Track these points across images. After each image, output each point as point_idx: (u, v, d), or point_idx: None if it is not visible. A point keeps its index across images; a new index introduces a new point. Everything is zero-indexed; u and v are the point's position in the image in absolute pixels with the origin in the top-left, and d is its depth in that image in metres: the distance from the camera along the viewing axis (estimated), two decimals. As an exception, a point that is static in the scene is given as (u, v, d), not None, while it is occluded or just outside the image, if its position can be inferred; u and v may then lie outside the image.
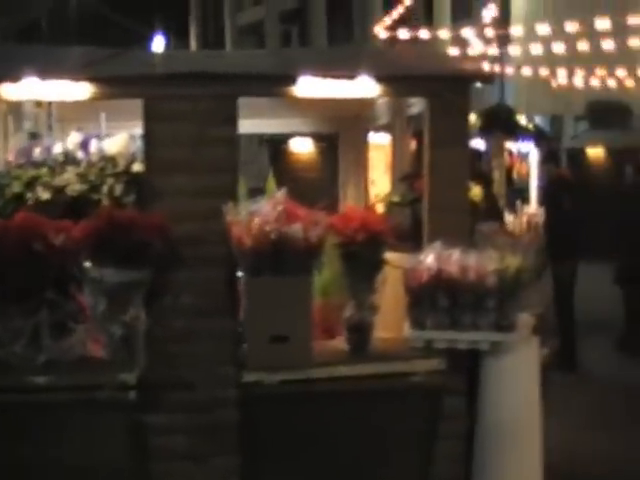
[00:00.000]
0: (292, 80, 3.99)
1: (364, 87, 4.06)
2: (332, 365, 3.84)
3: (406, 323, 3.96)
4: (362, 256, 3.84)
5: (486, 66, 8.65)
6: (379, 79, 4.04)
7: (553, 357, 6.97)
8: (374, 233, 3.88)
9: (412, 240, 4.29)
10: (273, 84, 4.06)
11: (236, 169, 4.02)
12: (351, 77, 4.01)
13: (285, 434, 3.68)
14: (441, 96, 4.02)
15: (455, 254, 3.89)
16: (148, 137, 3.95)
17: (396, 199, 4.80)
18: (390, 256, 4.03)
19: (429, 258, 3.91)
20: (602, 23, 10.85)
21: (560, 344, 8.24)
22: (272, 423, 3.67)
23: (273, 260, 3.57)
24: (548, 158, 8.80)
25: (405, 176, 5.06)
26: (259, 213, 3.67)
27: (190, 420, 3.73)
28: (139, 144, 4.26)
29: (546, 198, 8.65)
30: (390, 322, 4.07)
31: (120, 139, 4.44)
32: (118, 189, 4.11)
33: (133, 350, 3.54)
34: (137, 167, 4.18)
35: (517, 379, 4.07)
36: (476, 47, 11.15)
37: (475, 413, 4.02)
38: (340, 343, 4.04)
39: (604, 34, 12.53)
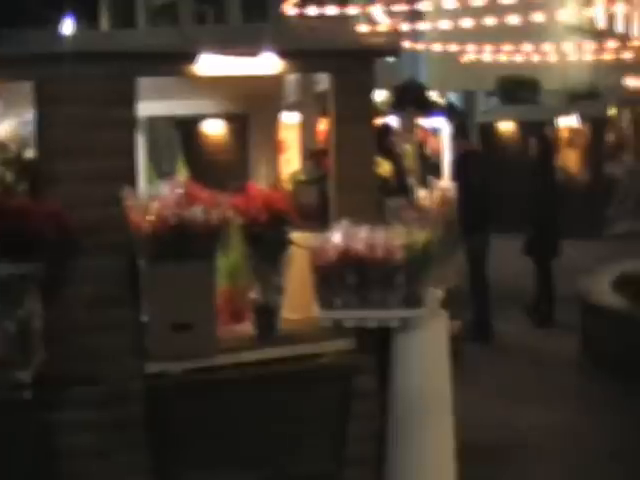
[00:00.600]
0: (191, 58, 3.84)
1: (267, 64, 3.96)
2: (238, 351, 3.74)
3: (314, 303, 3.90)
4: (266, 237, 3.75)
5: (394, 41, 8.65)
6: (281, 55, 3.94)
7: (467, 329, 7.13)
8: (277, 212, 3.79)
9: (320, 219, 4.23)
10: (170, 62, 3.89)
11: (133, 152, 3.86)
12: (252, 53, 3.89)
13: (192, 425, 3.57)
14: (344, 71, 3.95)
15: (362, 231, 3.84)
16: (40, 121, 3.75)
17: (303, 177, 4.74)
18: (296, 236, 3.96)
19: (336, 236, 3.84)
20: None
21: (474, 316, 8.41)
22: (178, 414, 3.56)
23: (173, 245, 3.44)
24: (458, 133, 8.89)
25: (312, 154, 5.00)
26: (158, 197, 3.54)
27: (94, 415, 3.57)
28: (31, 129, 4.05)
29: (456, 172, 8.73)
30: (298, 303, 4.01)
31: (10, 124, 4.21)
32: (9, 176, 3.92)
33: (29, 346, 3.36)
34: (29, 153, 3.99)
35: (427, 354, 4.06)
36: (386, 23, 11.15)
37: (387, 391, 4.01)
38: (247, 327, 3.95)
39: (509, 9, 12.76)
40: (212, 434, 3.59)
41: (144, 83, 3.86)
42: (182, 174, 4.58)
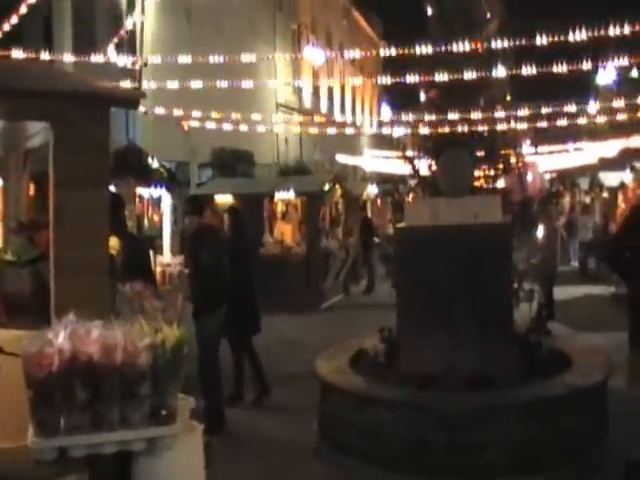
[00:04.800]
0: None
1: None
2: None
3: (30, 428, 2.88)
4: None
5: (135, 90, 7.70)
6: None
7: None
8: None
9: (35, 312, 3.22)
10: None
11: None
12: None
13: None
14: (69, 121, 3.05)
15: (95, 329, 2.94)
16: None
17: (9, 257, 3.66)
18: (2, 336, 2.93)
19: (60, 337, 2.90)
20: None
21: (208, 405, 7.58)
22: None
23: None
24: (192, 209, 8.07)
25: (22, 226, 3.93)
26: None
27: None
28: None
29: (190, 249, 7.97)
30: (9, 428, 2.96)
31: None
32: None
33: None
34: None
35: (180, 475, 3.23)
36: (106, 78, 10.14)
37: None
38: None
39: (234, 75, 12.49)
40: None
41: None
42: None
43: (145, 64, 7.37)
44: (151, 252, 9.46)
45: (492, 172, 8.04)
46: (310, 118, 23.22)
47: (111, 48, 8.48)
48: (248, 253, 8.98)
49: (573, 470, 5.98)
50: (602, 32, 9.06)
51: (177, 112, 11.83)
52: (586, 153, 29.45)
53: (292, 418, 8.02)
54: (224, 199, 16.17)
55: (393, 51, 9.08)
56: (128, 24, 10.53)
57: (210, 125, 15.21)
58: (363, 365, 7.34)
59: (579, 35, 9.23)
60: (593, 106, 20.51)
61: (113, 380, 2.91)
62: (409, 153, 8.37)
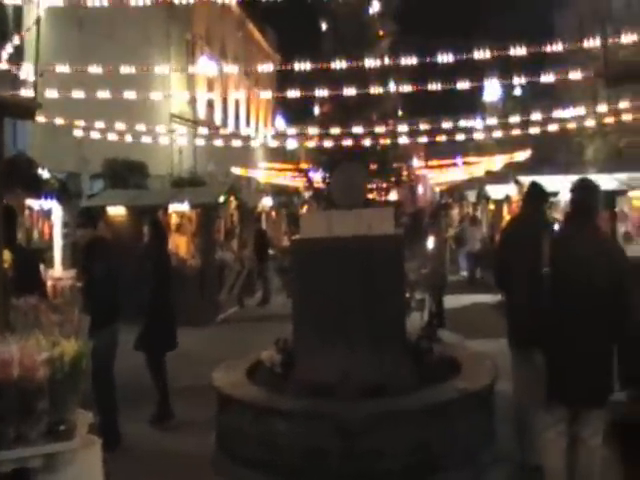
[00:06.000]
0: None
1: None
2: None
3: None
4: None
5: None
6: None
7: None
8: None
9: None
10: None
11: None
12: None
13: None
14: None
15: (-10, 345, 2.89)
16: None
17: None
18: None
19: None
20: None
21: (101, 420, 7.42)
22: None
23: None
24: (86, 221, 7.88)
25: None
26: None
27: None
28: None
29: (84, 262, 7.77)
30: None
31: None
32: None
33: None
34: None
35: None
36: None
37: None
38: None
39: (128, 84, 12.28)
40: None
41: None
42: None
43: (41, 74, 7.18)
44: (42, 265, 9.18)
45: (384, 185, 8.28)
46: (205, 129, 23.10)
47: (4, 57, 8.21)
48: (169, 266, 8.79)
49: (465, 471, 6.21)
50: (489, 52, 9.52)
51: (60, 121, 11.50)
52: (474, 167, 30.59)
53: (190, 431, 7.93)
54: (116, 211, 15.85)
55: (288, 65, 9.22)
56: (24, 33, 10.19)
57: (95, 135, 14.85)
58: (260, 376, 7.35)
59: (470, 54, 9.65)
60: (480, 122, 21.32)
61: (9, 396, 2.85)
62: (303, 166, 8.51)
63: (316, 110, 8.56)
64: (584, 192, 5.02)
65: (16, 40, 8.22)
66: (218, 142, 20.63)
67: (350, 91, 8.08)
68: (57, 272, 10.66)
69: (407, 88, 9.64)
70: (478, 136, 22.01)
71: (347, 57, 8.12)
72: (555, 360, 4.72)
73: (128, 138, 16.34)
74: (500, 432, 6.76)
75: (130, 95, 12.64)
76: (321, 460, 6.17)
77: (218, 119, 34.17)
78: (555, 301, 4.72)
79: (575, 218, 4.99)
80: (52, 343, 3.04)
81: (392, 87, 8.66)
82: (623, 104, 14.48)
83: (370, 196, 8.08)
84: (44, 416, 2.93)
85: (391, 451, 6.08)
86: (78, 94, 11.78)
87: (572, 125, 18.12)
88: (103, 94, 11.99)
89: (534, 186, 6.78)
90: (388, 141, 8.91)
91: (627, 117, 15.80)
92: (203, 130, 23.11)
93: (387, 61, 8.50)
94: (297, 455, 6.27)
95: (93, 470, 3.24)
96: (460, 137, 19.41)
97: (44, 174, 10.43)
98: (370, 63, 8.15)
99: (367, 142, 8.30)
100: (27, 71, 8.78)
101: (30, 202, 10.62)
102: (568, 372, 4.69)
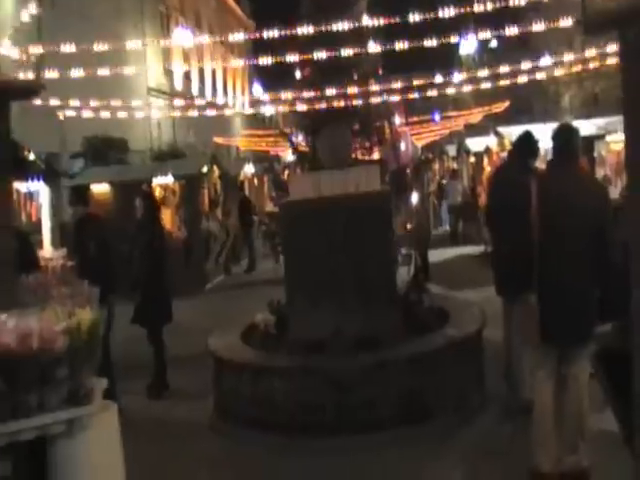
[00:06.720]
0: None
1: None
2: None
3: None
4: None
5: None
6: None
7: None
8: None
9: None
10: None
11: None
12: None
13: None
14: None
15: (11, 319, 3.04)
16: None
17: None
18: None
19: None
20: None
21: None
22: None
23: None
24: (77, 199, 7.93)
25: None
26: None
27: None
28: None
29: (75, 238, 7.84)
30: None
31: None
32: None
33: None
34: None
35: (98, 459, 3.33)
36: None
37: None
38: None
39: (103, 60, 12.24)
40: None
41: None
42: None
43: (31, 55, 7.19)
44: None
45: (367, 144, 8.38)
46: (182, 101, 23.03)
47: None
48: (163, 239, 8.81)
49: (457, 416, 6.47)
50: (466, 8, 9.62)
51: (38, 101, 11.42)
52: (453, 120, 30.64)
53: (186, 399, 8.01)
54: (100, 188, 15.86)
55: (265, 32, 9.24)
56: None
57: (72, 113, 14.71)
58: (255, 338, 7.50)
59: (447, 11, 9.74)
60: (457, 76, 21.36)
61: (30, 367, 3.01)
62: (286, 130, 8.56)
63: (297, 74, 8.57)
64: (565, 136, 5.16)
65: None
66: (195, 113, 20.57)
67: (330, 54, 8.10)
68: (47, 252, 10.73)
69: (385, 47, 9.70)
70: (451, 91, 22.07)
71: (325, 19, 8.12)
72: (544, 300, 4.91)
73: (106, 114, 16.28)
74: (488, 375, 6.99)
75: (105, 72, 12.58)
76: (317, 413, 6.35)
77: (195, 90, 33.96)
78: (542, 243, 4.90)
79: (559, 162, 5.14)
80: (68, 314, 3.21)
81: (371, 47, 8.70)
82: (595, 51, 14.58)
83: (354, 156, 8.15)
84: (64, 383, 3.11)
85: (384, 401, 6.28)
86: (52, 74, 11.70)
87: (545, 75, 18.20)
88: (78, 72, 11.92)
89: (528, 136, 6.85)
90: (369, 101, 9.00)
91: (600, 63, 15.88)
92: (180, 102, 23.04)
93: (365, 21, 8.52)
94: (294, 411, 6.44)
95: (111, 433, 3.43)
96: (437, 92, 19.48)
97: (30, 156, 10.45)
98: (348, 24, 8.16)
99: (349, 103, 8.38)
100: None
101: (17, 185, 10.63)
102: (555, 311, 4.89)
